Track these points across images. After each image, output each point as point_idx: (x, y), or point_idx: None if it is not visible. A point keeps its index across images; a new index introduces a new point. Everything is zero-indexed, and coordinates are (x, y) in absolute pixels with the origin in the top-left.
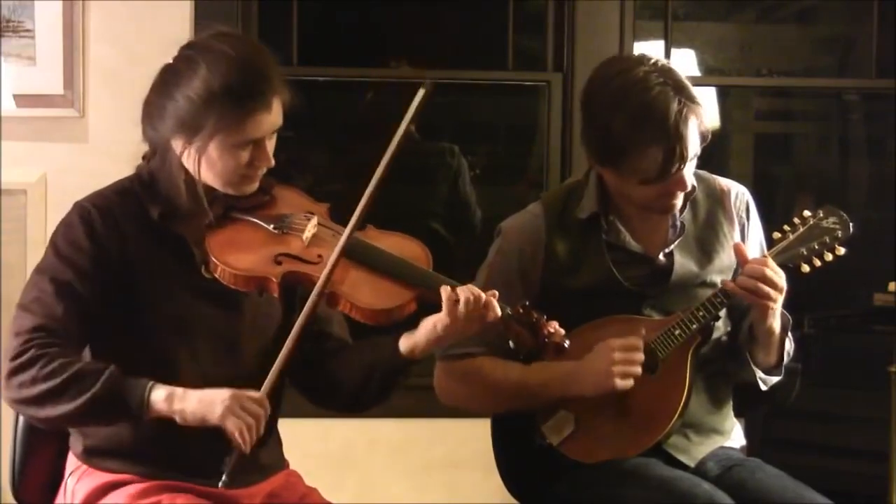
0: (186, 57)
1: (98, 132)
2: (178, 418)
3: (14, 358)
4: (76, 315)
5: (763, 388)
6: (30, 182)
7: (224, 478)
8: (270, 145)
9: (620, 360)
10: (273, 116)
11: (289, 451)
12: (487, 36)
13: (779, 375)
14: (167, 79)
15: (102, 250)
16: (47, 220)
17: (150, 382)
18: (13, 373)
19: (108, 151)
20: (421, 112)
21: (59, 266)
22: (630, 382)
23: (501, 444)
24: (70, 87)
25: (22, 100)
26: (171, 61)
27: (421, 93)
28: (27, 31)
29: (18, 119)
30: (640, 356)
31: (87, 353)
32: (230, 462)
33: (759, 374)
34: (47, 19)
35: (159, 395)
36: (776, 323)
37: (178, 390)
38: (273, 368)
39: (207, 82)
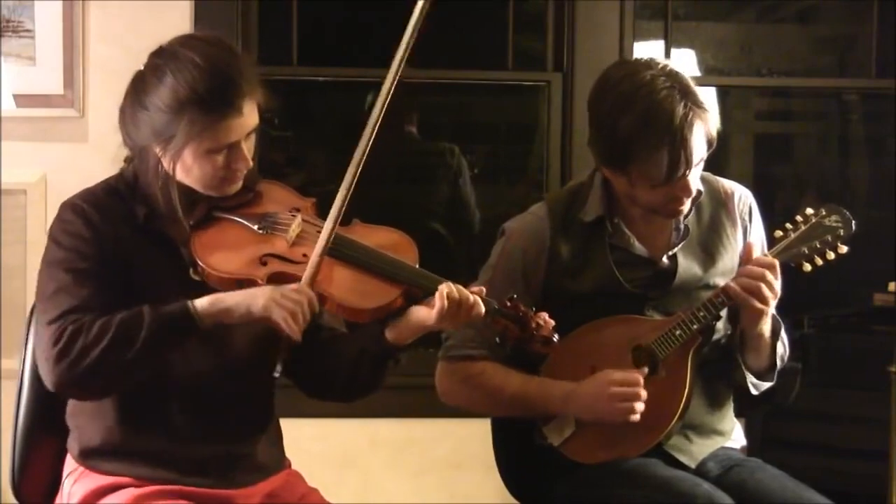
0: (154, 65)
1: (98, 132)
2: (225, 318)
3: (55, 343)
4: (102, 293)
5: (754, 392)
6: (30, 182)
7: (277, 368)
8: (248, 146)
9: (618, 395)
10: (245, 119)
11: (289, 451)
12: (487, 36)
13: (771, 381)
14: (137, 87)
15: (102, 239)
16: (47, 220)
17: (185, 300)
18: (60, 356)
19: (108, 151)
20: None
21: (69, 257)
22: (635, 417)
23: (501, 445)
24: (70, 87)
25: (22, 100)
26: (141, 68)
27: (420, 3)
28: (27, 31)
29: (18, 119)
30: (640, 391)
31: None
32: (282, 351)
33: (751, 378)
34: (47, 19)
35: (203, 303)
36: (766, 327)
37: (218, 294)
38: (312, 256)
39: (175, 91)
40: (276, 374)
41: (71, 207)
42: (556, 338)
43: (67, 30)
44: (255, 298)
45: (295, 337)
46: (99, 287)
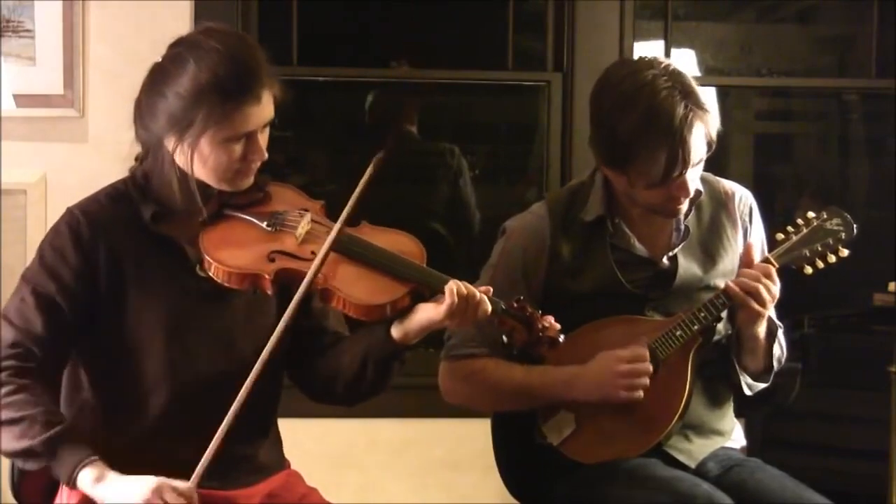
0: (175, 55)
1: (98, 132)
2: (98, 502)
3: None
4: (56, 328)
5: (747, 392)
6: (30, 182)
7: None
8: (263, 139)
9: (626, 372)
10: (263, 109)
11: (289, 451)
12: (487, 36)
13: (766, 382)
14: (156, 78)
15: (88, 260)
16: (47, 220)
17: (88, 459)
18: None
19: (108, 151)
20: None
21: (42, 277)
22: (640, 395)
23: (501, 444)
24: (70, 87)
25: (22, 100)
26: (160, 60)
27: (371, 167)
28: (27, 31)
29: (18, 119)
30: (648, 367)
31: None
32: None
33: (746, 379)
34: (47, 19)
35: (87, 476)
36: (762, 329)
37: (110, 475)
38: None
39: (196, 78)
40: None
41: (67, 219)
42: (562, 339)
43: (67, 30)
44: (132, 497)
45: None
46: (57, 320)
